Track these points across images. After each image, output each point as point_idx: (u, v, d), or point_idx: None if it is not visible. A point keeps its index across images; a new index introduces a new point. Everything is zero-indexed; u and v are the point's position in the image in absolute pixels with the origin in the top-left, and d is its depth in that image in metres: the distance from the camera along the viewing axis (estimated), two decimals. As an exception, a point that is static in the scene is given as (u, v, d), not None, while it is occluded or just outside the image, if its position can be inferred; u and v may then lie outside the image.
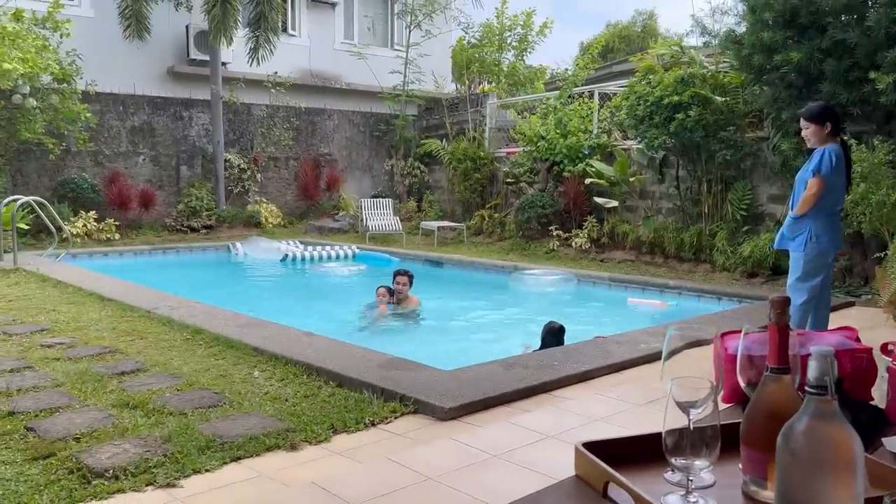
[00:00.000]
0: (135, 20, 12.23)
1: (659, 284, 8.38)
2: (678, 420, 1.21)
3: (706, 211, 9.55)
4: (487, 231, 12.74)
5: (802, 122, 4.80)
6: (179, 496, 2.57)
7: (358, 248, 11.60)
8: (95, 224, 11.54)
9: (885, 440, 1.43)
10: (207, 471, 2.78)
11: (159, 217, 12.72)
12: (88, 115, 11.44)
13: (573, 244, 10.85)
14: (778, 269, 8.47)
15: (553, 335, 5.13)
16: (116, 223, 11.82)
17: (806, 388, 0.93)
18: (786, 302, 1.19)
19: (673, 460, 1.19)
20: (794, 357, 1.69)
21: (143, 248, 11.28)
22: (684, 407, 1.22)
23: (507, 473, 2.65)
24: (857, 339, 1.75)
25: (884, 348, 1.65)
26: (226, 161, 13.45)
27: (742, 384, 1.38)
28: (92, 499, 2.54)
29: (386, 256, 10.96)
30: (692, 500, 1.17)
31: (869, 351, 1.67)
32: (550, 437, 3.07)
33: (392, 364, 4.24)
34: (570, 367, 4.23)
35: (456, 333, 7.19)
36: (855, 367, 1.64)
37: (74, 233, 10.94)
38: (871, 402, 1.64)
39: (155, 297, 6.43)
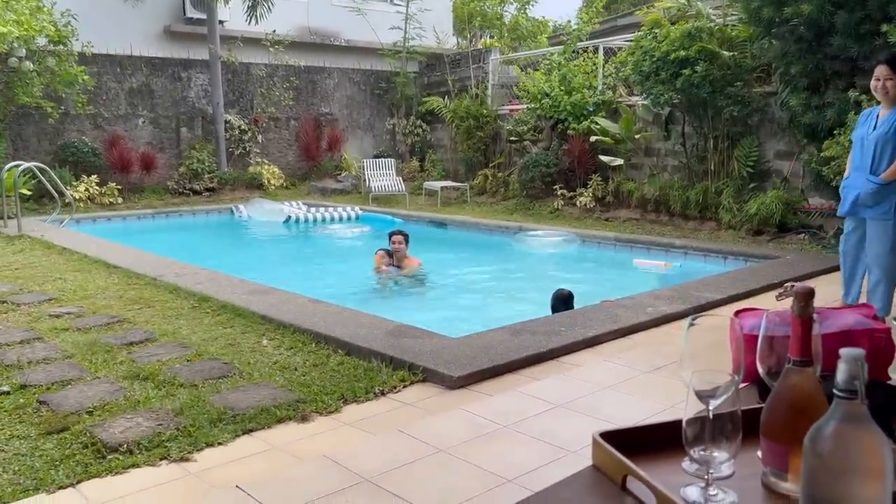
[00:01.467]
0: (129, -22, 11.95)
1: (664, 244, 8.35)
2: (699, 409, 1.20)
3: (712, 168, 9.45)
4: (491, 191, 12.66)
5: (883, 71, 4.31)
6: (193, 470, 2.60)
7: (361, 209, 11.55)
8: (98, 188, 11.49)
9: (903, 424, 1.42)
10: (220, 444, 2.81)
11: (161, 180, 12.66)
12: (86, 77, 11.28)
13: (578, 203, 10.79)
14: (784, 227, 8.43)
15: (563, 302, 5.13)
16: (118, 187, 11.78)
17: (834, 391, 0.91)
18: (810, 294, 1.16)
19: (692, 452, 1.18)
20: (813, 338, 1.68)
21: (147, 212, 11.25)
22: (703, 397, 1.21)
23: (517, 444, 2.67)
24: (875, 318, 1.73)
25: (903, 328, 1.63)
26: (226, 122, 13.31)
27: (762, 372, 1.37)
28: (107, 473, 2.57)
29: (389, 218, 10.92)
30: (711, 492, 1.16)
31: (887, 330, 1.65)
32: (559, 405, 3.09)
33: (400, 331, 4.25)
34: (578, 333, 4.24)
35: (461, 297, 7.20)
36: (873, 347, 1.62)
37: (77, 197, 10.90)
38: (889, 382, 1.63)
39: (160, 264, 6.44)
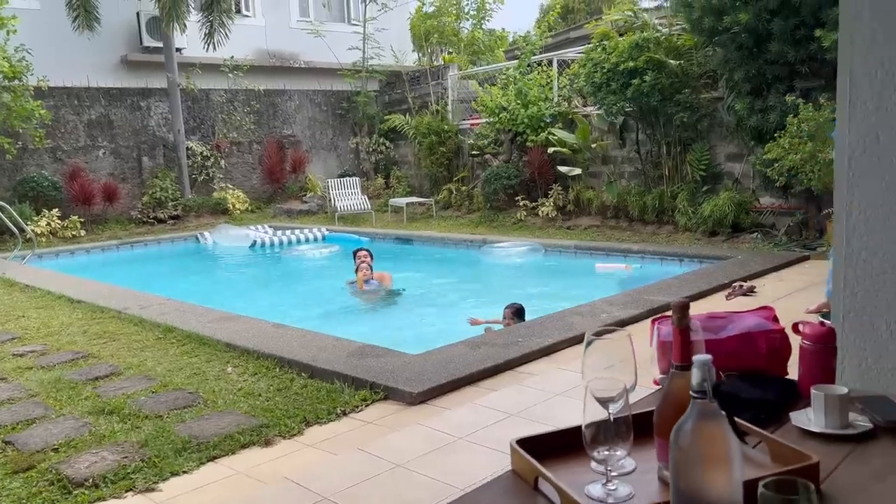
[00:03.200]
0: (83, 10, 11.93)
1: (622, 249, 8.58)
2: (597, 414, 1.35)
3: (667, 173, 9.73)
4: (456, 204, 12.83)
5: None
6: (159, 500, 2.68)
7: (327, 229, 11.63)
8: (59, 222, 11.41)
9: (791, 415, 1.58)
10: (185, 472, 2.89)
11: (124, 210, 12.60)
12: (42, 111, 11.23)
13: (540, 213, 11.00)
14: (737, 227, 8.72)
15: (516, 315, 5.29)
16: (81, 220, 11.70)
17: (690, 392, 1.06)
18: (686, 307, 1.32)
19: (594, 453, 1.32)
20: (719, 341, 1.84)
21: (110, 244, 11.19)
22: (604, 402, 1.35)
23: (472, 455, 2.80)
24: (775, 319, 1.89)
25: (794, 328, 1.79)
26: (188, 149, 13.31)
27: (657, 376, 1.52)
28: (74, 509, 2.63)
29: (356, 237, 11.02)
30: (611, 487, 1.30)
31: (782, 331, 1.81)
32: (513, 414, 3.22)
33: (362, 351, 4.36)
34: (535, 343, 4.39)
35: (428, 312, 7.32)
36: (770, 347, 1.78)
37: (38, 232, 10.82)
38: (787, 377, 1.79)
39: (125, 296, 6.46)
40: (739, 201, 8.70)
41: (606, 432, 1.32)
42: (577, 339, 4.53)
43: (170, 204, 12.80)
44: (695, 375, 1.06)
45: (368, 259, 7.62)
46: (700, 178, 9.29)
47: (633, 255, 8.36)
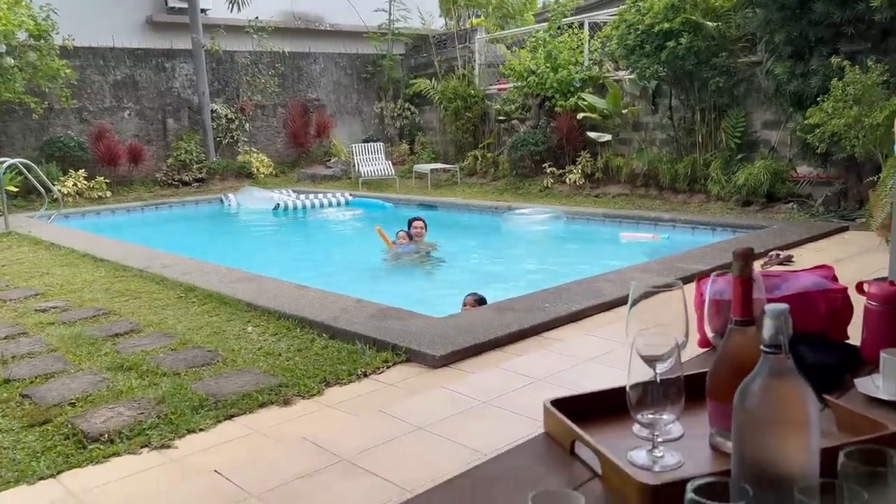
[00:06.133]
0: (108, -31, 11.81)
1: (652, 218, 8.35)
2: (643, 374, 1.21)
3: (700, 140, 9.43)
4: (481, 171, 12.62)
5: None
6: (174, 456, 2.62)
7: (351, 194, 11.52)
8: (85, 182, 11.44)
9: (856, 381, 1.43)
10: (201, 430, 2.82)
11: (149, 172, 12.60)
12: (68, 70, 11.19)
13: (567, 181, 10.77)
14: (772, 197, 8.43)
15: (478, 304, 5.07)
16: (107, 181, 11.72)
17: (761, 346, 0.91)
18: (749, 254, 1.17)
19: (639, 416, 1.19)
20: (773, 301, 1.68)
21: (135, 205, 11.21)
22: (650, 361, 1.21)
23: (496, 420, 2.69)
24: (834, 278, 1.73)
25: (859, 287, 1.63)
26: (212, 112, 13.24)
27: (709, 334, 1.37)
28: (88, 463, 2.58)
29: (380, 202, 10.90)
30: (658, 454, 1.17)
31: (844, 290, 1.65)
32: (540, 380, 3.10)
33: (384, 313, 4.25)
34: (562, 308, 4.25)
35: (451, 278, 7.20)
36: (830, 308, 1.62)
37: (65, 192, 10.86)
38: (847, 341, 1.64)
39: (147, 256, 6.43)
40: (775, 170, 8.40)
41: (654, 394, 1.18)
42: (605, 306, 4.38)
43: (194, 166, 12.77)
44: (767, 327, 0.91)
45: (424, 231, 7.73)
46: (735, 146, 8.98)
47: (664, 224, 8.13)
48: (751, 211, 8.35)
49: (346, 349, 3.70)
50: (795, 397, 0.88)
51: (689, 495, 0.82)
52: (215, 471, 2.34)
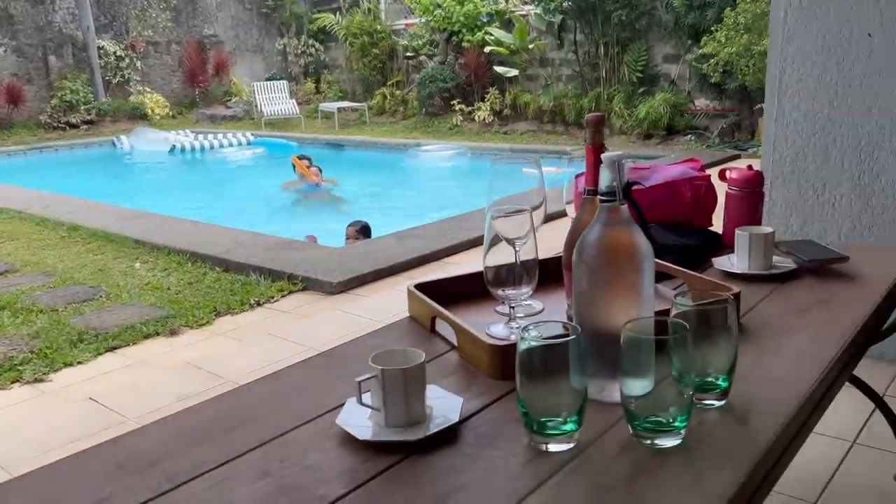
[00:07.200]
0: None
1: (557, 151, 8.45)
2: (502, 253, 1.19)
3: (604, 75, 9.55)
4: (390, 110, 12.38)
5: None
6: (48, 389, 2.47)
7: (253, 134, 11.08)
8: (-42, 126, 10.51)
9: (714, 260, 1.47)
10: (80, 363, 2.67)
11: (32, 114, 11.68)
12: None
13: (476, 118, 10.72)
14: (672, 129, 8.68)
15: (361, 233, 4.99)
16: (-18, 124, 10.81)
17: (598, 196, 0.90)
18: (601, 120, 1.16)
19: (499, 291, 1.17)
20: (642, 190, 1.70)
21: (17, 149, 10.40)
22: (510, 241, 1.20)
23: (388, 336, 2.67)
24: (702, 169, 1.77)
25: (721, 174, 1.67)
26: (100, 49, 12.32)
27: (571, 215, 1.37)
28: (-49, 402, 2.40)
29: (284, 141, 10.54)
30: (514, 326, 1.17)
31: (707, 178, 1.69)
32: (436, 299, 3.09)
33: (281, 245, 4.14)
34: (462, 234, 4.25)
35: (355, 213, 7.09)
36: (695, 195, 1.66)
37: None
38: (711, 228, 1.68)
39: (26, 197, 5.99)
40: (675, 103, 8.63)
41: (509, 271, 1.17)
42: (506, 231, 4.40)
43: (82, 108, 11.92)
44: (602, 176, 0.89)
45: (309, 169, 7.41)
46: (637, 80, 9.14)
47: (568, 158, 8.25)
48: (652, 143, 8.59)
49: (239, 281, 3.58)
50: (628, 243, 0.87)
51: (521, 335, 0.81)
52: (90, 398, 2.23)
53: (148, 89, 12.87)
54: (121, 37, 12.85)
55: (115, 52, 12.56)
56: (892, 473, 1.70)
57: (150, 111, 12.46)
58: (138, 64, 12.88)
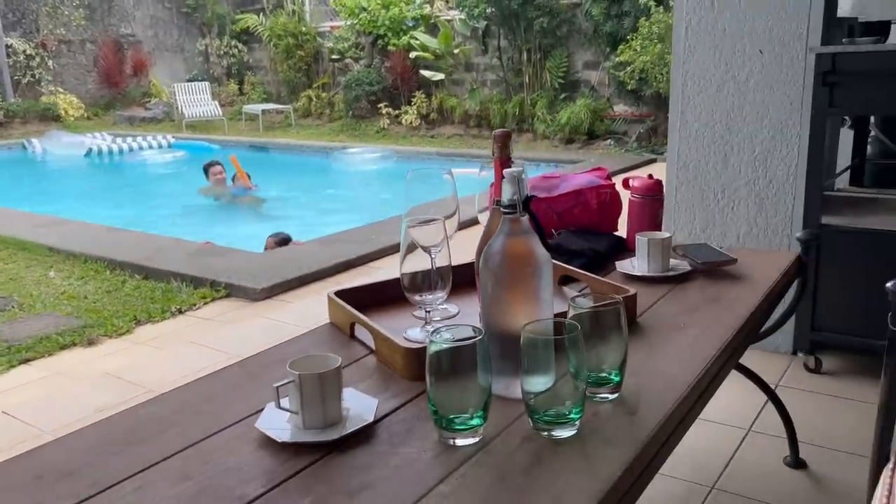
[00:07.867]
0: None
1: (483, 156, 8.60)
2: (419, 262, 1.26)
3: (527, 81, 9.77)
4: (316, 112, 12.28)
5: None
6: (-45, 406, 2.38)
7: (174, 137, 10.78)
8: None
9: (617, 263, 1.58)
10: (-10, 377, 2.58)
11: (-68, 115, 11.02)
12: None
13: (403, 121, 10.78)
14: (593, 134, 8.97)
15: (280, 245, 4.98)
16: None
17: (501, 209, 0.97)
18: (507, 136, 1.23)
19: (415, 296, 1.23)
20: (552, 199, 1.80)
21: (-85, 152, 9.80)
22: (426, 248, 1.26)
23: (314, 341, 2.69)
24: (608, 178, 1.88)
25: (625, 183, 1.79)
26: (7, 47, 11.73)
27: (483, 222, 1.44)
28: None
29: (205, 144, 10.31)
30: (430, 328, 1.23)
31: (612, 186, 1.80)
32: (361, 303, 3.13)
33: (203, 251, 4.08)
34: (387, 239, 4.29)
35: (280, 218, 7.03)
36: (601, 202, 1.77)
37: None
38: (616, 233, 1.79)
39: (-72, 204, 5.68)
40: (595, 109, 8.92)
41: (425, 277, 1.23)
42: (431, 235, 4.47)
43: (-11, 108, 11.33)
44: (504, 190, 0.97)
45: (223, 175, 7.23)
46: (558, 86, 9.41)
47: (489, 162, 8.40)
48: (573, 148, 8.85)
49: (160, 288, 3.52)
50: (528, 251, 0.95)
51: (431, 338, 0.87)
52: (4, 412, 2.16)
53: (61, 90, 12.33)
54: (31, 35, 12.27)
55: (24, 51, 11.99)
56: (782, 457, 1.86)
57: (63, 112, 11.96)
58: (50, 63, 12.33)
